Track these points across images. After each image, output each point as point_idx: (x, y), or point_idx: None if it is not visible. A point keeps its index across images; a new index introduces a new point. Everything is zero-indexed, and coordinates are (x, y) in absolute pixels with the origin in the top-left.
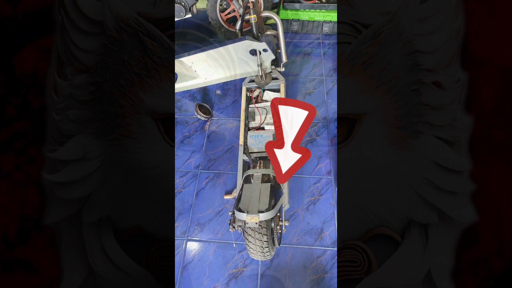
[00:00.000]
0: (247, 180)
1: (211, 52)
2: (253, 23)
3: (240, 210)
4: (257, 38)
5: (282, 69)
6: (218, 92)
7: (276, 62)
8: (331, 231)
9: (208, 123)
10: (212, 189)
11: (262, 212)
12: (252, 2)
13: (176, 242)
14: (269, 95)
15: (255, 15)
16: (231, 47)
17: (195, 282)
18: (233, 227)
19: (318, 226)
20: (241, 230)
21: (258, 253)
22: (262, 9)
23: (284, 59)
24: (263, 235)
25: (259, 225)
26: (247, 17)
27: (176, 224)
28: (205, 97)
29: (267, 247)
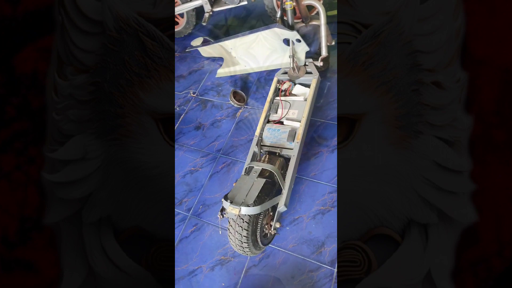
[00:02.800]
0: (249, 171)
1: (247, 37)
2: (289, 11)
3: (227, 199)
4: (292, 27)
5: (320, 64)
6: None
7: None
8: (332, 248)
9: (241, 110)
10: (226, 175)
11: (247, 206)
12: None
13: (180, 216)
14: (298, 90)
15: (291, 2)
16: (262, 34)
17: (184, 257)
18: (222, 215)
19: (320, 238)
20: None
21: (237, 246)
22: None
23: (324, 52)
24: (243, 230)
25: (241, 218)
26: (284, 6)
27: (185, 200)
28: (244, 84)
29: (247, 243)
